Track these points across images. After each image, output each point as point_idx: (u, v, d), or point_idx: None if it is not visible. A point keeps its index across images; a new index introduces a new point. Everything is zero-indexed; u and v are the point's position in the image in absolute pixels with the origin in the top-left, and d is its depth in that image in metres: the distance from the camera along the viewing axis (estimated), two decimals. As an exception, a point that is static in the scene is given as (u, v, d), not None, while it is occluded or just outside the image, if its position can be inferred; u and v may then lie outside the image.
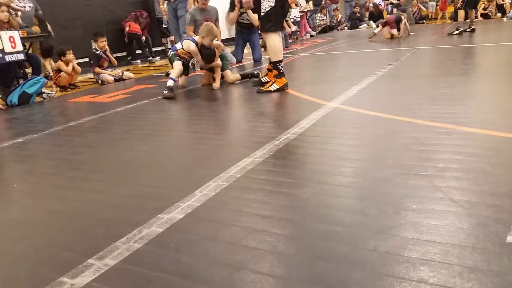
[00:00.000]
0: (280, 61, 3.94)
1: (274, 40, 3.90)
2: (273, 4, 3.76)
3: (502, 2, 11.92)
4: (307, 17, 12.20)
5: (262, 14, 3.84)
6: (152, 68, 7.63)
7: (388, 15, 9.19)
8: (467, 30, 8.16)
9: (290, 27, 9.33)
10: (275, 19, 3.82)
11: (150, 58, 8.94)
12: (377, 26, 12.11)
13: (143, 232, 1.50)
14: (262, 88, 4.03)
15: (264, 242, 1.37)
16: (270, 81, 4.09)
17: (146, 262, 1.33)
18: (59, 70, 5.68)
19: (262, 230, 1.45)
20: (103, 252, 1.40)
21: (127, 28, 8.65)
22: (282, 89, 3.96)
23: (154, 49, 9.35)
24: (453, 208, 1.46)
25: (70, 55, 5.67)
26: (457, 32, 7.93)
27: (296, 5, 10.37)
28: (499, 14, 11.84)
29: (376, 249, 1.27)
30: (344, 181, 1.83)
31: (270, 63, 4.06)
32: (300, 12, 11.13)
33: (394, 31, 8.58)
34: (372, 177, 1.81)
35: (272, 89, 3.96)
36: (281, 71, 3.96)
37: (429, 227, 1.36)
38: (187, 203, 1.71)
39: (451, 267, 1.15)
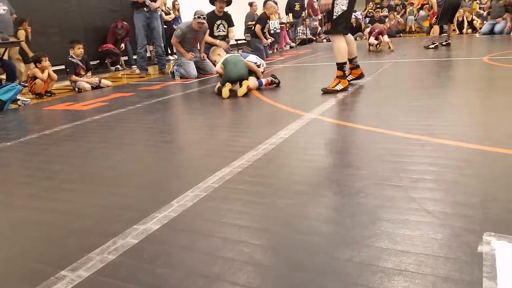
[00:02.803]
0: (345, 63, 4.22)
1: (342, 43, 4.17)
2: (345, 8, 4.07)
3: (472, 18, 12.32)
4: (287, 29, 12.35)
5: (335, 17, 4.10)
6: (121, 76, 7.56)
7: (377, 26, 9.28)
8: (442, 44, 8.39)
9: (266, 39, 9.39)
10: (346, 22, 4.15)
11: (118, 66, 8.82)
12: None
13: (118, 243, 1.48)
14: (327, 88, 4.18)
15: (241, 253, 1.37)
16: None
17: (120, 274, 1.30)
18: (34, 77, 5.57)
19: (239, 240, 1.45)
20: (76, 264, 1.37)
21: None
22: (345, 89, 4.20)
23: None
24: (427, 219, 1.49)
25: (45, 62, 5.56)
26: (433, 46, 8.14)
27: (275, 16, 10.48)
28: (470, 30, 12.24)
29: (351, 259, 1.28)
30: (320, 192, 1.84)
31: (336, 63, 4.24)
32: (280, 23, 11.25)
33: (386, 38, 8.75)
34: (348, 188, 1.83)
35: (338, 89, 4.17)
36: (345, 72, 4.24)
37: (404, 238, 1.38)
38: (164, 214, 1.69)
39: (424, 277, 1.17)
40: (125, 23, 8.84)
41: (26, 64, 6.77)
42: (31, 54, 6.72)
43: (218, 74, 5.05)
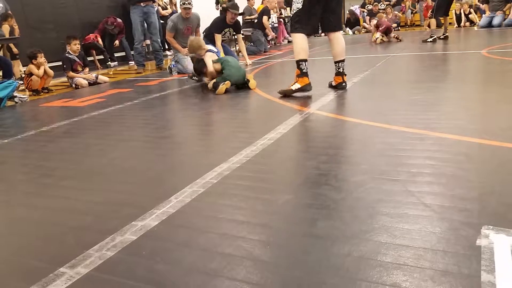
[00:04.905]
0: (303, 61, 3.86)
1: (296, 40, 3.94)
2: (300, 6, 3.87)
3: (469, 12, 12.30)
4: (285, 23, 12.31)
5: (291, 15, 3.99)
6: (109, 73, 7.53)
7: (384, 21, 9.51)
8: (440, 37, 8.37)
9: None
10: (301, 21, 3.91)
11: (109, 63, 8.74)
12: (353, 33, 12.38)
13: (116, 240, 1.48)
14: (284, 89, 3.94)
15: (240, 248, 1.37)
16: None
17: (119, 270, 1.30)
18: (30, 74, 5.55)
19: (237, 236, 1.45)
20: (75, 261, 1.36)
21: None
22: (304, 89, 3.87)
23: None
24: (426, 213, 1.49)
25: (41, 58, 5.54)
26: (431, 39, 8.12)
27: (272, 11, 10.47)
28: (467, 23, 12.23)
29: (350, 254, 1.28)
30: (319, 186, 1.84)
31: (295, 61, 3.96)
32: (278, 18, 11.21)
33: (392, 34, 9.21)
34: (346, 182, 1.83)
35: (294, 88, 3.88)
36: (304, 70, 3.88)
37: (402, 232, 1.38)
38: (162, 210, 1.69)
39: (423, 271, 1.17)
40: (119, 20, 8.75)
41: (12, 61, 6.70)
42: (15, 51, 6.67)
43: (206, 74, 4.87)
